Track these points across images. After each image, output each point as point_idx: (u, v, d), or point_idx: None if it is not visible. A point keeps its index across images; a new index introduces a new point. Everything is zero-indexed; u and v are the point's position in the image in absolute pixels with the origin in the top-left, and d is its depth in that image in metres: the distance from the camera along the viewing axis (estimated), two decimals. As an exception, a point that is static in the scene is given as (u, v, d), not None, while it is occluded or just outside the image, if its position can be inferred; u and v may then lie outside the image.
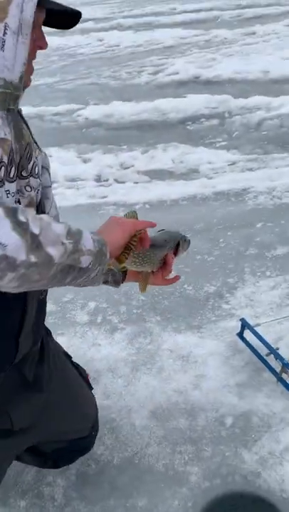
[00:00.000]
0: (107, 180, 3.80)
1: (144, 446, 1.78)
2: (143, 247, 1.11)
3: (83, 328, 2.33)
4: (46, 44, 1.03)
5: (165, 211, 3.34)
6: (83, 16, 1.08)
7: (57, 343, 1.52)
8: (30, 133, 1.07)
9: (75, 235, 0.87)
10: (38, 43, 1.00)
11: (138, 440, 1.80)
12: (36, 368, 1.30)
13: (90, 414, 1.59)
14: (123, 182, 3.76)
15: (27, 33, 0.91)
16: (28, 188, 1.04)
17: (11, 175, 0.96)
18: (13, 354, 1.17)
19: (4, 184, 0.93)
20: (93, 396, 1.63)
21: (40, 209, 1.12)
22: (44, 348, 1.36)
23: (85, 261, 0.88)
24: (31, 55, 0.99)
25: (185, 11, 9.20)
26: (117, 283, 1.27)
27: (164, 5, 9.69)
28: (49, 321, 1.69)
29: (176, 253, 1.29)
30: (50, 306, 1.36)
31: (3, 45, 0.89)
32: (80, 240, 0.88)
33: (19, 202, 1.02)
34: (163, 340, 2.24)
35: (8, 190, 0.95)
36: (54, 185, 3.58)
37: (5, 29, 0.88)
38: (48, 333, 1.45)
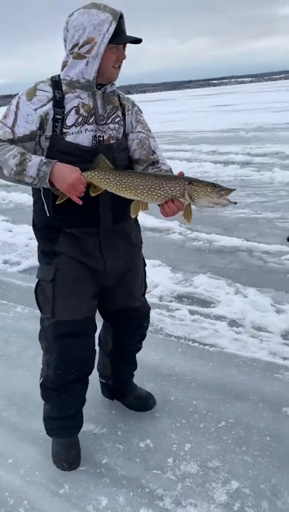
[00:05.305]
0: (295, 337, 3.39)
1: None
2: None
3: None
4: (119, 57, 1.94)
5: None
6: None
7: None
8: (121, 102, 2.06)
9: (21, 165, 1.80)
10: (118, 57, 1.94)
11: None
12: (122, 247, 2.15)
13: (141, 290, 2.35)
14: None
15: (100, 59, 1.87)
16: (109, 129, 1.98)
17: (90, 121, 1.92)
18: (97, 223, 2.02)
19: (84, 125, 1.91)
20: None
21: (121, 142, 2.05)
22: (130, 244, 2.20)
23: (27, 180, 1.83)
24: (106, 66, 1.91)
25: None
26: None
27: None
28: None
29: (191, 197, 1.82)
30: None
31: (88, 63, 1.88)
32: (24, 170, 1.81)
33: (102, 137, 1.95)
34: None
35: (86, 129, 1.92)
36: (239, 329, 3.48)
37: (89, 57, 1.88)
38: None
